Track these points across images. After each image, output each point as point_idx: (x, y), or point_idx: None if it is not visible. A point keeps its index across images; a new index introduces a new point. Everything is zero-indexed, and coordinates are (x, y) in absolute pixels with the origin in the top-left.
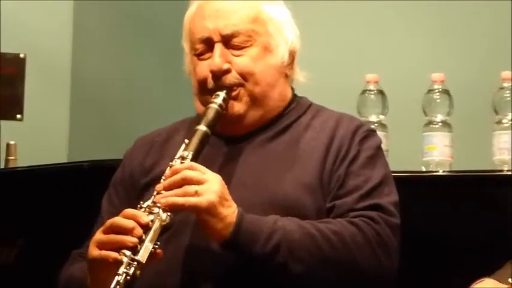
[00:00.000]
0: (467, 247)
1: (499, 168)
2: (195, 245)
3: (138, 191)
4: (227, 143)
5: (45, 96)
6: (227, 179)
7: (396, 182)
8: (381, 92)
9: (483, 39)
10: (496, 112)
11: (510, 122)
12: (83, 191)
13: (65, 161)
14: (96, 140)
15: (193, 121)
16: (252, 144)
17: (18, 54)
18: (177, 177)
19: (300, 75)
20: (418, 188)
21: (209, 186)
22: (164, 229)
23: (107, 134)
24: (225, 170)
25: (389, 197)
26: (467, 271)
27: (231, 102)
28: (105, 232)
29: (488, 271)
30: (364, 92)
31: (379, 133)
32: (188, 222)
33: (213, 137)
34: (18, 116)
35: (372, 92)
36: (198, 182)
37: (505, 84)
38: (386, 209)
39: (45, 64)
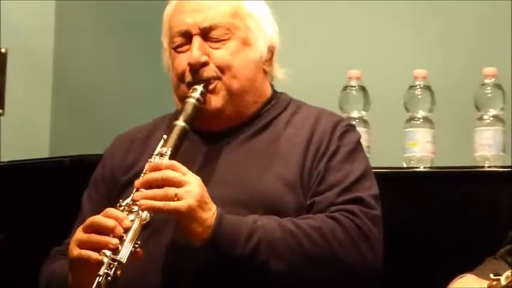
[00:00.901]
0: (449, 243)
1: (480, 164)
2: (176, 242)
3: (118, 188)
4: (207, 140)
5: (27, 91)
6: (208, 177)
7: (378, 178)
8: (362, 88)
9: (466, 35)
10: (478, 108)
11: (492, 119)
12: (64, 186)
13: (47, 156)
14: (78, 136)
15: (173, 117)
16: (232, 142)
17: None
18: (158, 175)
19: (279, 73)
20: (399, 184)
21: (189, 189)
22: (145, 226)
23: (89, 129)
24: (205, 168)
25: (370, 191)
26: (449, 267)
27: (209, 96)
28: (86, 231)
29: (469, 267)
30: (346, 88)
31: (361, 129)
32: (169, 219)
33: (193, 134)
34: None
35: (354, 88)
36: (178, 184)
37: (487, 81)
38: (366, 201)
39: (27, 59)
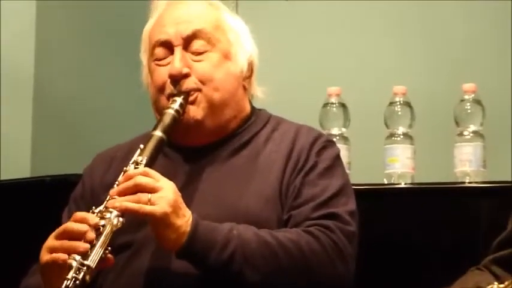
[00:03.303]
0: (430, 259)
1: (460, 180)
2: (157, 262)
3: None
4: (187, 157)
5: (7, 108)
6: (189, 196)
7: (358, 194)
8: (342, 105)
9: (445, 51)
10: (458, 124)
11: (472, 134)
12: (45, 205)
13: (28, 175)
14: (59, 154)
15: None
16: (212, 160)
17: None
18: (130, 183)
19: (258, 91)
20: (380, 200)
21: (162, 195)
22: (125, 247)
23: (71, 147)
24: (186, 186)
25: (346, 206)
26: (430, 283)
27: (188, 107)
28: (58, 238)
29: (450, 283)
30: (326, 104)
31: (341, 146)
32: (149, 239)
33: (173, 152)
34: None
35: (334, 105)
36: (151, 190)
37: (466, 97)
38: (342, 217)
39: (6, 75)
